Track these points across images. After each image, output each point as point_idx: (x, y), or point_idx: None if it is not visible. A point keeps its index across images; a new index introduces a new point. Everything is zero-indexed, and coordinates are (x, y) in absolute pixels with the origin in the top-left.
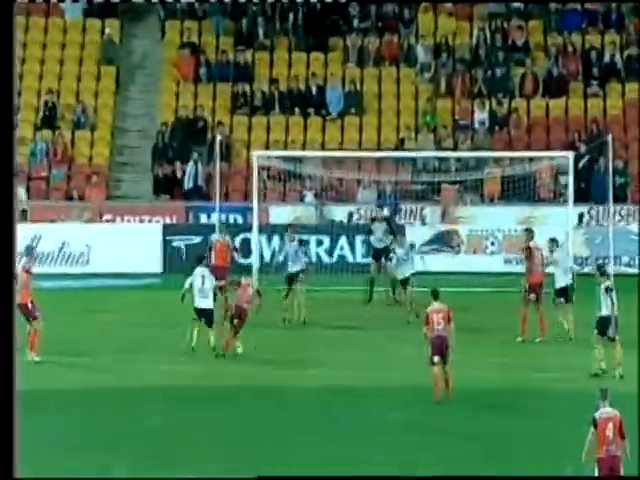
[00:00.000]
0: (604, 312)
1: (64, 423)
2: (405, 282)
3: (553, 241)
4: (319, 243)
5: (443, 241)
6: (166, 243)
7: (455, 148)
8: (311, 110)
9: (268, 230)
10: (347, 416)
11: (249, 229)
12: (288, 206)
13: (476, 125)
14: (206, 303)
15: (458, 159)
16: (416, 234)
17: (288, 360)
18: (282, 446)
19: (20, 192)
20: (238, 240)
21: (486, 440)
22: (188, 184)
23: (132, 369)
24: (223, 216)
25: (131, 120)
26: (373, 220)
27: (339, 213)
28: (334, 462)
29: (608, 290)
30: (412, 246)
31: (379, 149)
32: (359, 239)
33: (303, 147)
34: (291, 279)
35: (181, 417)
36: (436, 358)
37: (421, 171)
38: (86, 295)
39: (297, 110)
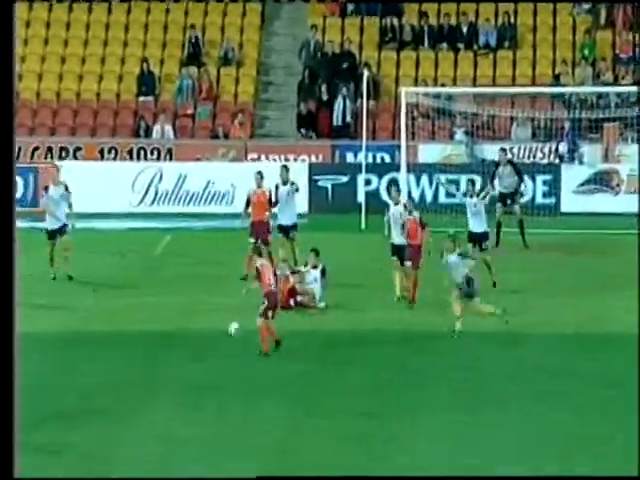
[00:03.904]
0: None
1: None
2: None
3: None
4: (470, 183)
5: (602, 181)
6: (312, 183)
7: (615, 82)
8: (461, 45)
9: (417, 169)
10: None
11: (397, 169)
12: (438, 144)
13: (638, 58)
14: None
15: (618, 94)
16: (573, 173)
17: None
18: None
19: (167, 129)
20: (385, 180)
21: None
22: (336, 122)
23: None
24: (370, 155)
25: (276, 56)
26: (497, 164)
27: (491, 152)
28: None
29: None
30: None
31: (534, 84)
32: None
33: (454, 83)
34: None
35: None
36: None
37: (578, 107)
38: (230, 235)
39: (447, 45)
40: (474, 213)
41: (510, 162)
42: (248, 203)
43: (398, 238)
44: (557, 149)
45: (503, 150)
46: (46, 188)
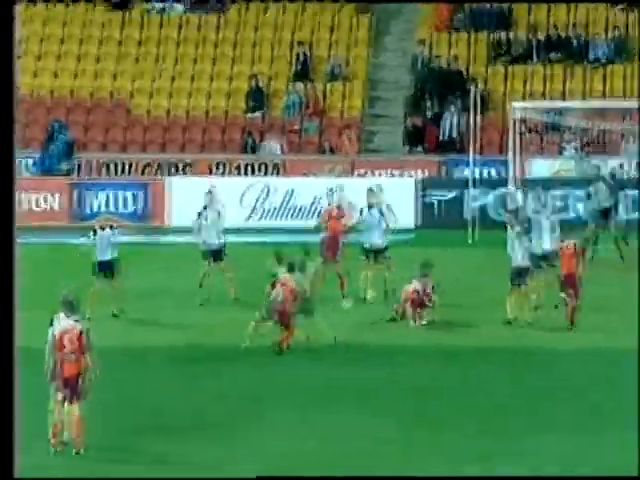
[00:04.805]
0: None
1: None
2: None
3: None
4: (581, 199)
5: None
6: (420, 198)
7: None
8: (572, 59)
9: (526, 185)
10: None
11: (505, 183)
12: (547, 160)
13: None
14: None
15: None
16: None
17: None
18: None
19: (275, 145)
20: (492, 195)
21: None
22: (443, 137)
23: None
24: (478, 170)
25: (384, 71)
26: (590, 182)
27: (602, 167)
28: None
29: None
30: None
31: None
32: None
33: (564, 98)
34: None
35: None
36: None
37: None
38: None
39: (557, 59)
40: (546, 229)
41: (603, 180)
42: (325, 219)
43: (520, 259)
44: None
45: (597, 167)
46: (202, 210)
